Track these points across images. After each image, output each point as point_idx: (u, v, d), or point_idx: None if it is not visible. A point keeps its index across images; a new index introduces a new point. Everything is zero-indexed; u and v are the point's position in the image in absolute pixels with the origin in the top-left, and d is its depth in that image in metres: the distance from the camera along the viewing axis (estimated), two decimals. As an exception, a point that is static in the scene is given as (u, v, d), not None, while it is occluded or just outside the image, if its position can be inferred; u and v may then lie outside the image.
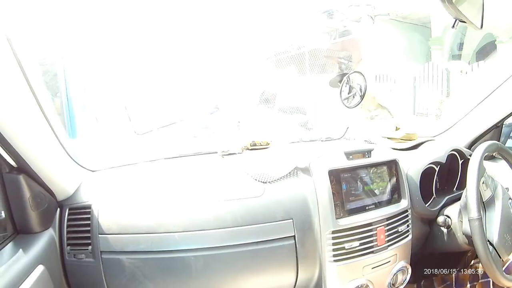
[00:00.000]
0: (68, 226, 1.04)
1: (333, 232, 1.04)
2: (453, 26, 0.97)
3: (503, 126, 1.57)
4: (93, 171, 1.20)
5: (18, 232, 0.94)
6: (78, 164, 1.13)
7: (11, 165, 0.87)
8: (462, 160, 1.40)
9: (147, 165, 1.26)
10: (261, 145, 1.31)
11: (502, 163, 1.29)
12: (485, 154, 1.12)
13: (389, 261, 1.13)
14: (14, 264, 0.80)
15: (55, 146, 0.98)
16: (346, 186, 1.09)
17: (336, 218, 1.04)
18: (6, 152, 0.82)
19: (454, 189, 1.41)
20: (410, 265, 1.18)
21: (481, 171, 1.09)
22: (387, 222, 1.12)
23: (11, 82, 0.74)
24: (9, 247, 0.87)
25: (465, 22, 0.94)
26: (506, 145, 1.80)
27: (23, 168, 0.88)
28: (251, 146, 1.29)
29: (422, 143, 1.48)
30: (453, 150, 1.39)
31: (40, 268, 0.86)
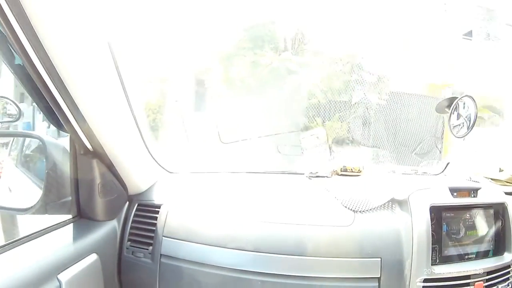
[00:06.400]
0: (133, 221, 1.01)
1: (425, 280, 0.87)
2: None
3: None
4: (171, 172, 1.16)
5: (81, 216, 0.93)
6: (157, 163, 1.10)
7: (86, 148, 0.86)
8: None
9: (228, 176, 1.20)
10: (352, 171, 1.18)
11: None
12: None
13: None
14: (66, 246, 0.79)
15: (136, 140, 0.95)
16: (447, 228, 0.92)
17: (432, 264, 0.88)
18: (84, 135, 0.81)
19: None
20: None
21: None
22: (487, 277, 0.93)
23: (105, 79, 0.79)
24: (67, 229, 0.86)
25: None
26: None
27: (97, 153, 0.87)
28: (341, 171, 1.17)
29: (532, 186, 1.25)
30: None
31: (93, 257, 0.84)
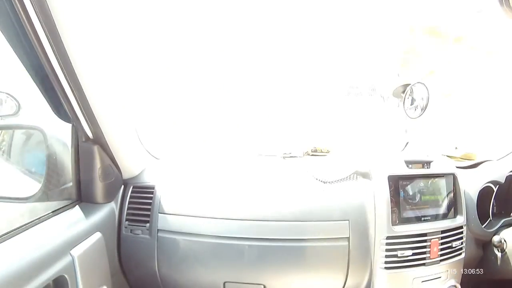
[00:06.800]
0: (130, 202, 1.11)
1: (388, 237, 1.02)
2: None
3: None
4: (157, 158, 1.27)
5: (82, 200, 1.01)
6: (146, 150, 1.21)
7: (87, 135, 0.95)
8: None
9: (208, 160, 1.32)
10: (321, 151, 1.34)
11: None
12: None
13: (440, 277, 1.08)
14: (73, 226, 0.87)
15: (131, 129, 1.06)
16: (403, 194, 1.07)
17: (392, 225, 1.03)
18: (87, 123, 0.90)
19: None
20: None
21: None
22: (441, 235, 1.08)
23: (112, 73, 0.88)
24: (72, 211, 0.94)
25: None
26: None
27: (98, 140, 0.96)
28: (312, 151, 1.34)
29: (481, 162, 1.42)
30: None
31: (97, 235, 0.93)
